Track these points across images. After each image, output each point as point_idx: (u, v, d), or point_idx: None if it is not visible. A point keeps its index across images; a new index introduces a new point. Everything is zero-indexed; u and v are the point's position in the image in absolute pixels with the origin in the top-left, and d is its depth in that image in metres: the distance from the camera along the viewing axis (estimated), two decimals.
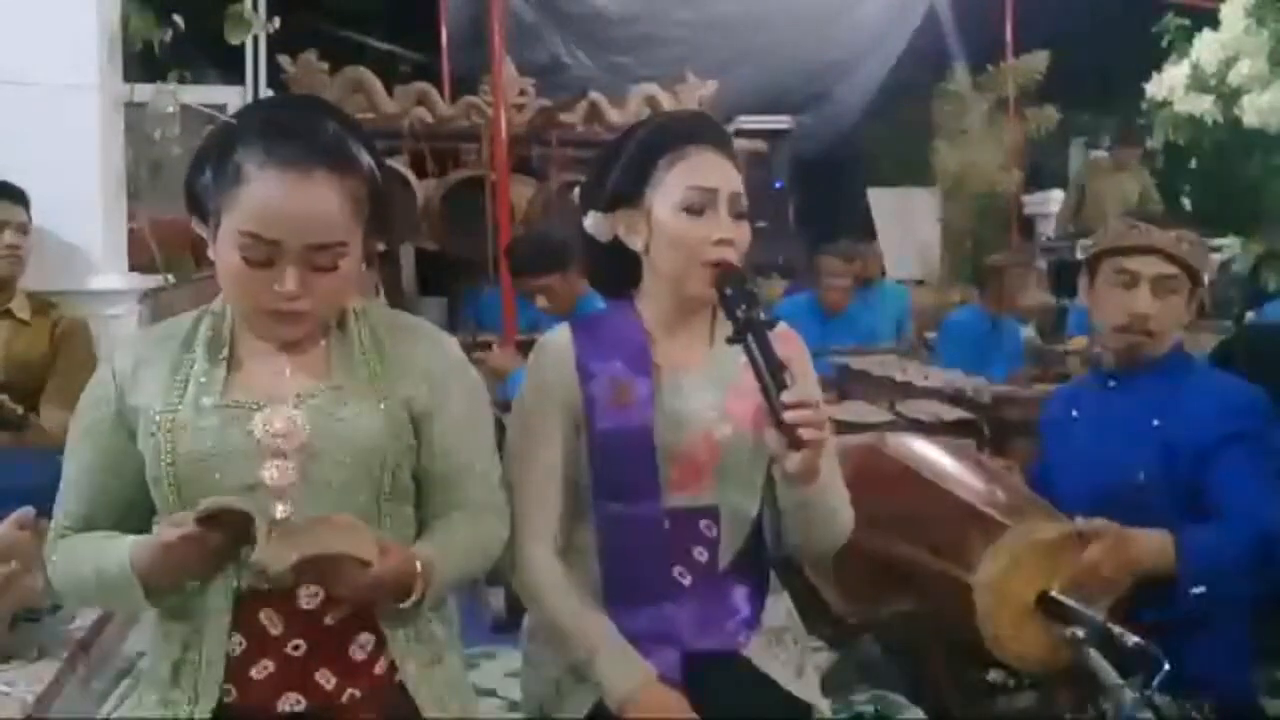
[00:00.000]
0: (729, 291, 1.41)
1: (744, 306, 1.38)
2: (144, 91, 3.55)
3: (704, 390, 1.51)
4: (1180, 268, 1.84)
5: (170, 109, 3.45)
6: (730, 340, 1.39)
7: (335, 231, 1.28)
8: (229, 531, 1.21)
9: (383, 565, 1.24)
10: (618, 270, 1.58)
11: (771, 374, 1.32)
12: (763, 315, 1.38)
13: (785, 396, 1.30)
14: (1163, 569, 1.68)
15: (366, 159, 1.34)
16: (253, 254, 1.26)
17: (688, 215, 1.47)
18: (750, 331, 1.36)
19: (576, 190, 1.71)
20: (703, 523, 1.50)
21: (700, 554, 1.50)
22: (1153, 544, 1.69)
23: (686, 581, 1.49)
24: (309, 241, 1.26)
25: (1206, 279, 1.96)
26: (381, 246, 1.44)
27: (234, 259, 1.27)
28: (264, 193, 1.25)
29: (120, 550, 1.28)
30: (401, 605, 1.29)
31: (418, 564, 1.30)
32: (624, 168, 1.52)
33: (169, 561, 1.24)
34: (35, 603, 2.22)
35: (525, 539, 1.49)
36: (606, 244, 1.55)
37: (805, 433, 1.29)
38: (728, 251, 1.46)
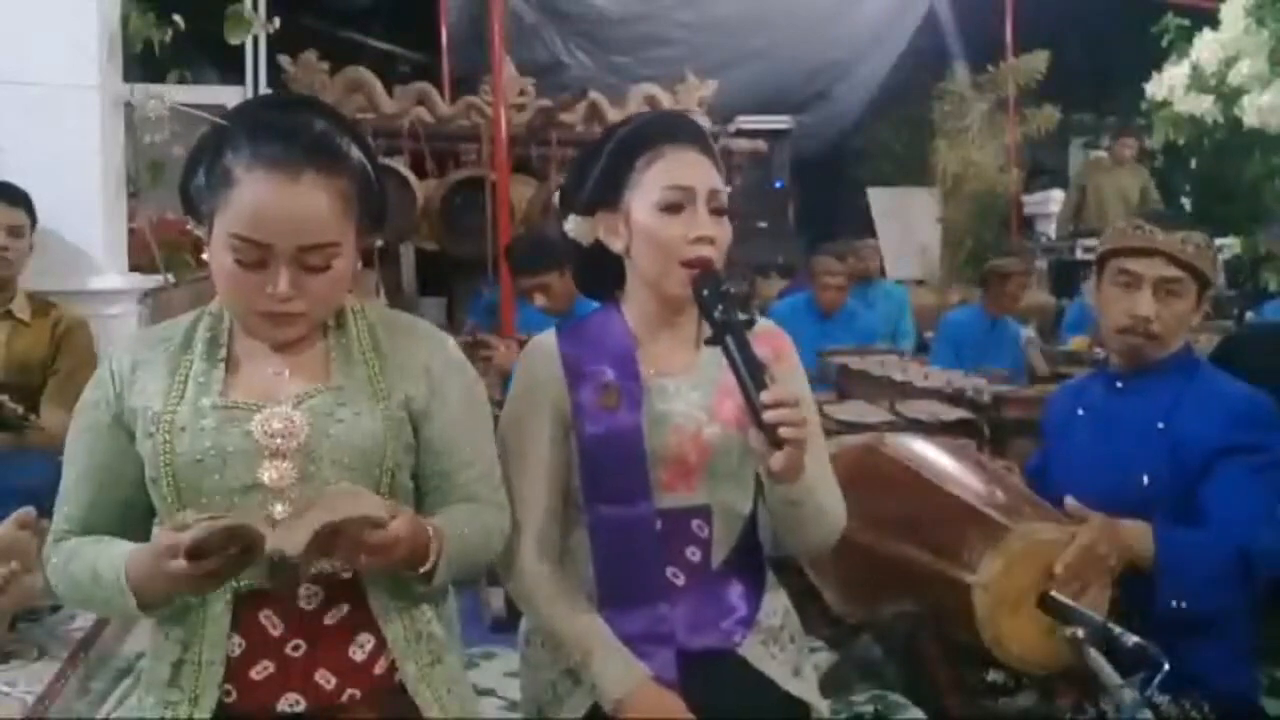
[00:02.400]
0: (706, 293, 1.40)
1: (721, 308, 1.38)
2: (144, 91, 3.55)
3: (691, 391, 1.51)
4: (1185, 270, 1.81)
5: (157, 114, 3.45)
6: (709, 341, 1.38)
7: (326, 232, 1.28)
8: (227, 549, 1.19)
9: (396, 523, 1.22)
10: (602, 273, 1.58)
11: (750, 374, 1.32)
12: (741, 315, 1.37)
13: (764, 396, 1.30)
14: (1148, 556, 1.67)
15: (356, 155, 1.33)
16: (244, 256, 1.26)
17: (665, 214, 1.46)
18: (728, 332, 1.36)
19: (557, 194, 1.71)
20: (694, 522, 1.50)
21: (693, 554, 1.50)
22: (1137, 530, 1.69)
23: (680, 581, 1.49)
24: (300, 243, 1.26)
25: (1216, 280, 1.93)
26: (380, 243, 1.43)
27: (227, 261, 1.27)
28: (252, 195, 1.25)
29: (115, 560, 1.27)
30: (420, 570, 1.28)
31: (429, 528, 1.30)
32: (602, 170, 1.52)
33: (163, 585, 1.22)
34: (35, 602, 2.23)
35: (519, 543, 1.48)
36: (590, 247, 1.55)
37: (785, 431, 1.29)
38: (706, 249, 1.46)
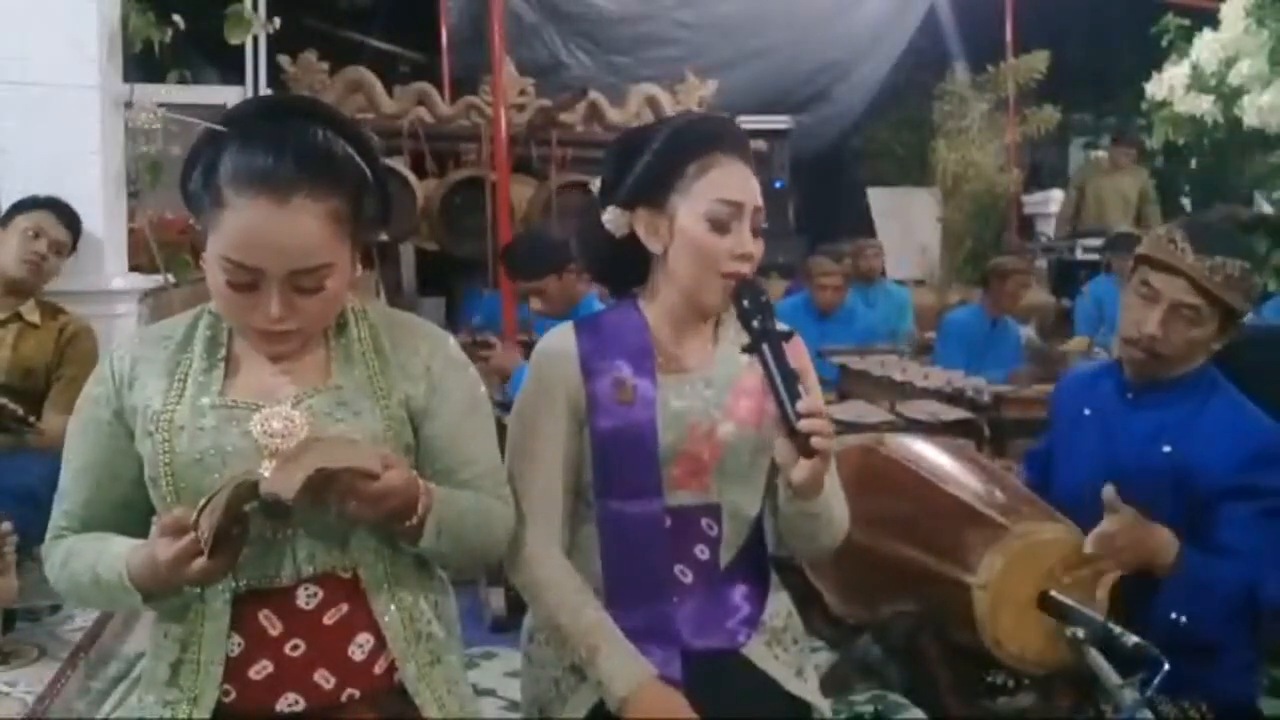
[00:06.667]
0: (746, 303, 1.42)
1: (760, 317, 1.39)
2: (144, 92, 3.55)
3: (706, 389, 1.51)
4: (1206, 299, 1.73)
5: (153, 125, 3.46)
6: (745, 350, 1.40)
7: (317, 255, 1.26)
8: (236, 519, 1.20)
9: (390, 475, 1.22)
10: (625, 267, 1.58)
11: (785, 383, 1.33)
12: (778, 326, 1.39)
13: (799, 406, 1.31)
14: (1162, 565, 1.67)
15: (355, 165, 1.31)
16: (235, 278, 1.25)
17: (713, 228, 1.47)
18: (766, 341, 1.37)
19: (592, 184, 1.70)
20: (704, 521, 1.50)
21: (701, 552, 1.50)
22: (1164, 536, 1.68)
23: (687, 579, 1.49)
24: (291, 267, 1.25)
25: (1246, 309, 1.80)
26: (384, 238, 1.42)
27: (220, 279, 1.26)
28: (242, 220, 1.23)
29: (116, 557, 1.27)
30: (406, 524, 1.28)
31: (421, 485, 1.29)
32: (649, 166, 1.50)
33: (176, 584, 1.23)
34: (8, 603, 2.23)
35: (527, 537, 1.48)
36: (617, 240, 1.54)
37: (817, 441, 1.31)
38: (746, 265, 1.47)
